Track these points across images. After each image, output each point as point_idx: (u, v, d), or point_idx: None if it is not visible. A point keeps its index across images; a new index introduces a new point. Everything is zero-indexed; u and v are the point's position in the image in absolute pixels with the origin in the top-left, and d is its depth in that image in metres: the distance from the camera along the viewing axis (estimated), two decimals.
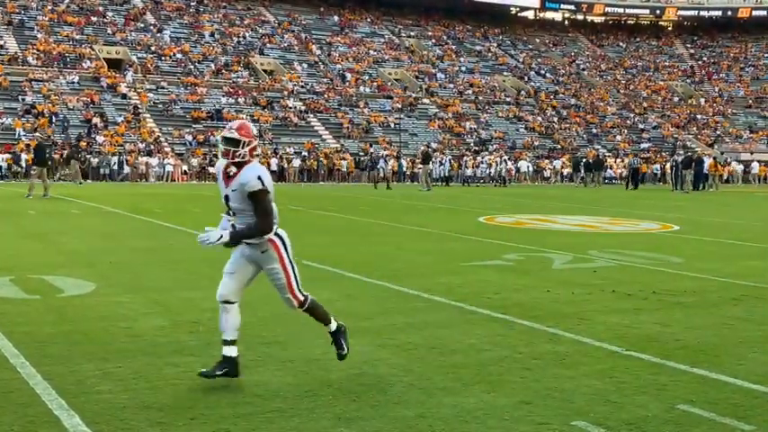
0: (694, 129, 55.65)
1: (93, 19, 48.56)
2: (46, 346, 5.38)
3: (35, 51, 43.06)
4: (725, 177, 43.63)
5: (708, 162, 37.28)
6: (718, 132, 55.25)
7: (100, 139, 36.72)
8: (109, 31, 47.72)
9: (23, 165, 32.88)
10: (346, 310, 6.80)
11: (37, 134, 31.60)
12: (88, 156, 34.98)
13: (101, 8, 50.08)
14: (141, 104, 41.09)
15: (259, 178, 4.43)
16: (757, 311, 7.08)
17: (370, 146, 42.35)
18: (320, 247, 11.21)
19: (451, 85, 53.85)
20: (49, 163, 24.15)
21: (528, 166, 43.39)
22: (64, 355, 5.17)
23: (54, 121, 37.12)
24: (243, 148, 4.44)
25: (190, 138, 39.34)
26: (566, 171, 44.77)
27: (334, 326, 4.82)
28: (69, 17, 47.72)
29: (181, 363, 5.08)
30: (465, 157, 41.54)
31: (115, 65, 44.54)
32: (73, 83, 41.24)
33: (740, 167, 47.02)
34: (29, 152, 33.52)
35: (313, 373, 4.91)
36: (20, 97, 38.61)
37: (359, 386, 4.64)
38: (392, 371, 4.98)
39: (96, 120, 38.22)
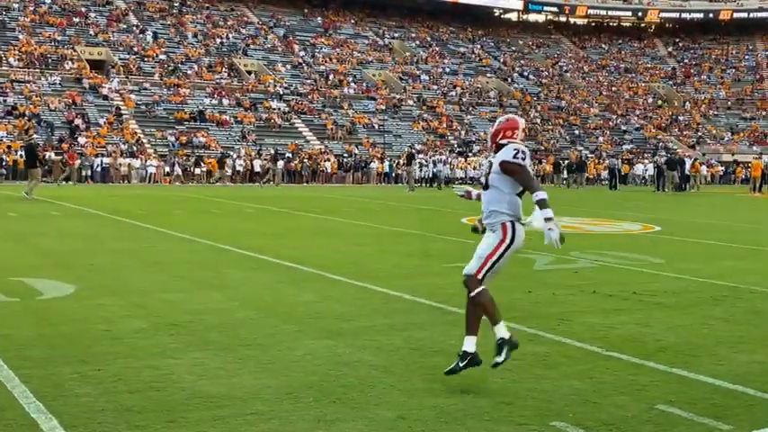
0: (676, 130, 55.99)
1: (75, 20, 48.20)
2: (24, 349, 5.33)
3: (16, 52, 42.73)
4: (708, 178, 43.92)
5: (689, 163, 37.60)
6: (699, 134, 55.63)
7: (82, 140, 36.44)
8: (91, 32, 47.41)
9: (5, 167, 32.54)
10: (326, 311, 6.79)
11: (25, 137, 30.65)
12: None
13: (83, 9, 49.77)
14: (124, 107, 40.86)
15: None
16: (736, 312, 7.12)
17: (356, 147, 42.38)
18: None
19: (435, 87, 53.88)
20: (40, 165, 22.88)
21: None
22: (43, 358, 5.13)
23: (39, 123, 36.67)
24: None
25: (173, 139, 39.13)
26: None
27: None
28: (51, 18, 47.38)
29: (161, 365, 5.04)
30: (449, 159, 41.47)
31: (98, 66, 44.28)
32: (55, 84, 40.94)
33: (722, 168, 47.46)
34: (9, 153, 33.20)
35: (293, 374, 4.89)
36: (1, 98, 38.25)
37: (339, 388, 4.63)
38: (373, 372, 4.97)
39: (78, 121, 37.95)
